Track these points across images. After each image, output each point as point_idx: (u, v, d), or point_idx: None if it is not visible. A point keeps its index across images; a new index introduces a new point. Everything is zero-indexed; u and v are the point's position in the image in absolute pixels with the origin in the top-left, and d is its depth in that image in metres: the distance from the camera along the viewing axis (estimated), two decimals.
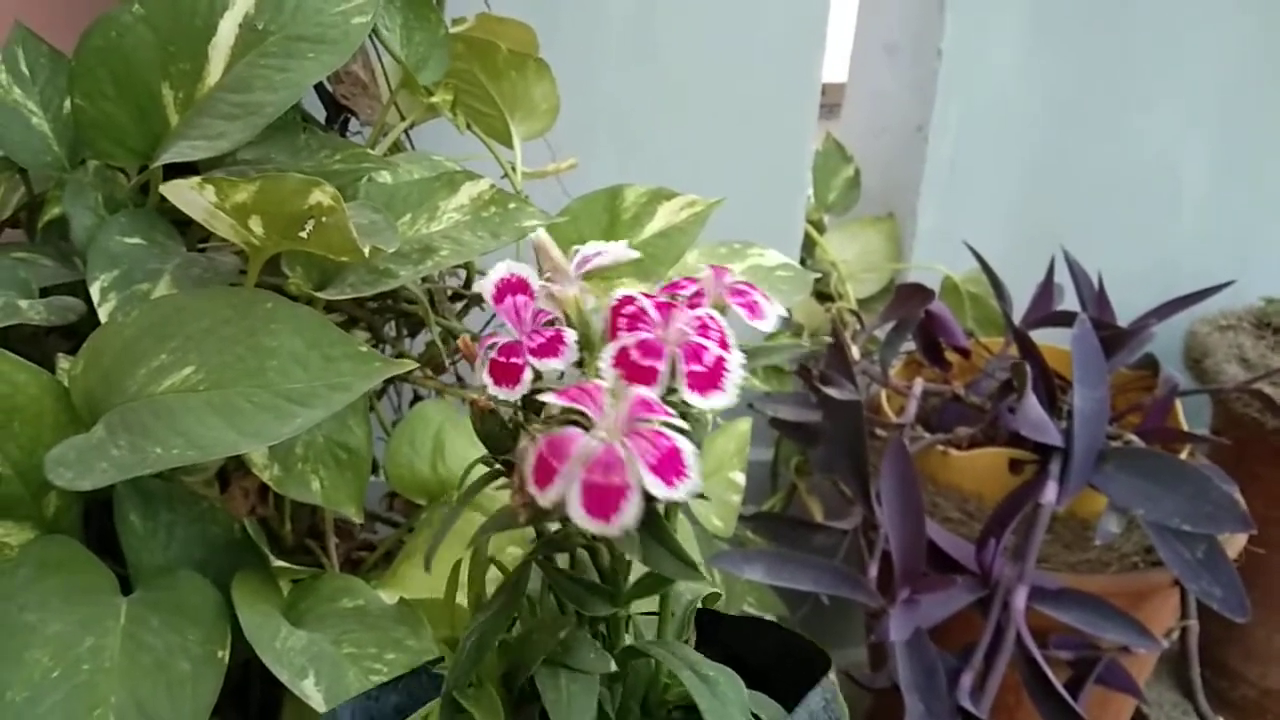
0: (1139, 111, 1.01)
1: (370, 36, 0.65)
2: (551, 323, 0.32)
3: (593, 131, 0.88)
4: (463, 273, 0.73)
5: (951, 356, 0.89)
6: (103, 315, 0.49)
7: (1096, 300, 0.88)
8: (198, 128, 0.52)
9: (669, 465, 0.27)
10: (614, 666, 0.34)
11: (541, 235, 0.34)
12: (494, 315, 0.74)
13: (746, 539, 0.85)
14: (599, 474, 0.27)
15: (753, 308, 0.32)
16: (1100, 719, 0.85)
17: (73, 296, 0.55)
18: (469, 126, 0.71)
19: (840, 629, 1.00)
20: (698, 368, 0.29)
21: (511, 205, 0.56)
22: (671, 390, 0.30)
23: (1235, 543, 0.77)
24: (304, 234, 0.45)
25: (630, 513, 0.27)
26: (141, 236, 0.53)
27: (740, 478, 0.76)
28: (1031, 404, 0.74)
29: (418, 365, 0.49)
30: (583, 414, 0.28)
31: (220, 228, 0.48)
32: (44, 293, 0.55)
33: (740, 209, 0.80)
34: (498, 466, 0.34)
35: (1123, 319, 0.89)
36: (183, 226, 0.56)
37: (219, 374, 0.43)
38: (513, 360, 0.31)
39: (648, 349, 0.29)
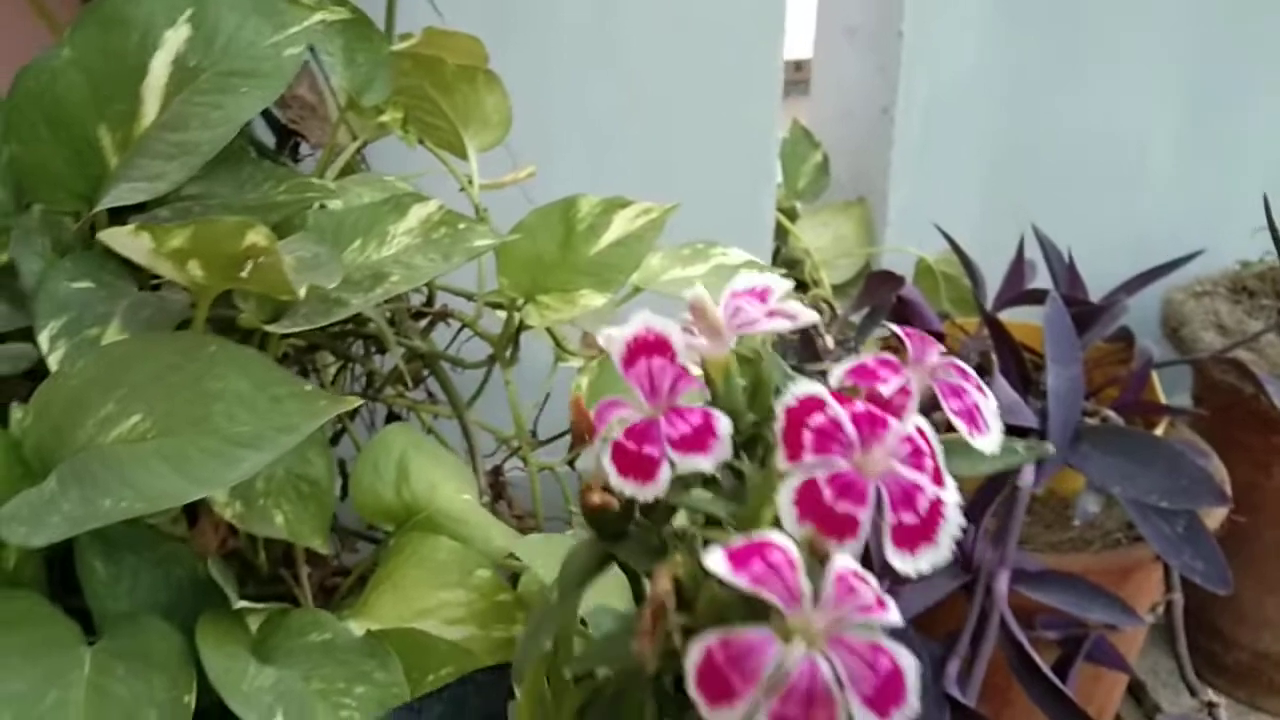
0: (1102, 83, 1.00)
1: (315, 57, 0.65)
2: (692, 396, 0.25)
3: (556, 136, 0.88)
4: (425, 289, 0.72)
5: None
6: (51, 364, 0.49)
7: (1068, 276, 0.88)
8: (137, 169, 0.51)
9: (888, 694, 0.20)
10: None
11: (700, 293, 0.27)
12: (460, 330, 0.74)
13: None
14: (797, 708, 0.20)
15: (972, 417, 0.23)
16: (1093, 694, 0.85)
17: (27, 343, 0.55)
18: (421, 142, 0.70)
19: None
20: (910, 518, 0.21)
21: (461, 225, 0.56)
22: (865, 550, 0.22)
23: (1215, 514, 0.77)
24: (244, 274, 0.45)
25: None
26: (90, 279, 0.53)
27: None
28: (1001, 388, 0.74)
29: (362, 401, 0.48)
30: (766, 608, 0.20)
31: (163, 270, 0.48)
32: None
33: (710, 202, 0.79)
34: (604, 551, 0.27)
35: (1098, 292, 0.89)
36: (133, 264, 0.56)
37: (166, 421, 0.43)
38: (646, 450, 0.23)
39: (846, 487, 0.21)
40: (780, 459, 0.22)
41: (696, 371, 0.26)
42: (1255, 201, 1.08)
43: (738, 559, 0.20)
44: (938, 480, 0.22)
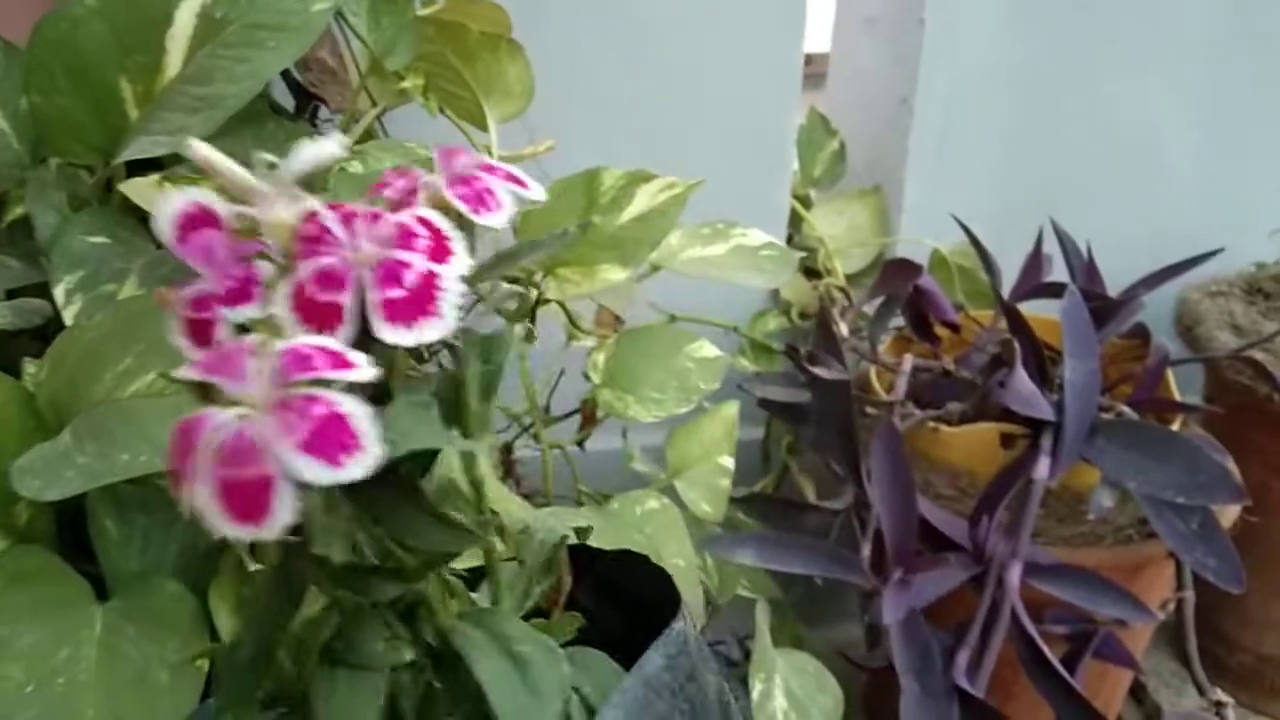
0: (1125, 78, 1.00)
1: (338, 21, 0.64)
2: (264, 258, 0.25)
3: (572, 112, 0.87)
4: None
5: (941, 331, 0.88)
6: (67, 318, 0.48)
7: (1086, 270, 0.87)
8: (158, 122, 0.50)
9: (327, 439, 0.21)
10: (408, 657, 0.28)
11: (197, 145, 0.26)
12: (476, 302, 0.73)
13: (739, 521, 0.84)
14: (230, 467, 0.21)
15: (481, 198, 0.25)
16: (1098, 692, 0.84)
17: (40, 298, 0.54)
18: (442, 110, 0.69)
19: (836, 606, 1.00)
20: (396, 293, 0.23)
21: None
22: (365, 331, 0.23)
23: (1229, 512, 0.77)
24: None
25: (284, 511, 0.21)
26: (106, 235, 0.52)
27: (729, 462, 0.75)
28: (1021, 379, 0.73)
29: (380, 370, 0.47)
30: (216, 390, 0.22)
31: None
32: (10, 295, 0.54)
33: (725, 186, 0.79)
34: None
35: (1113, 288, 0.88)
36: (149, 222, 0.55)
37: None
38: (204, 315, 0.24)
39: (328, 279, 0.23)
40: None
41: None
42: (1274, 201, 1.07)
43: (196, 364, 0.23)
44: (439, 257, 0.23)
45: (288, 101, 0.68)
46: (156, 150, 0.50)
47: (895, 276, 0.86)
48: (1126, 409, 0.78)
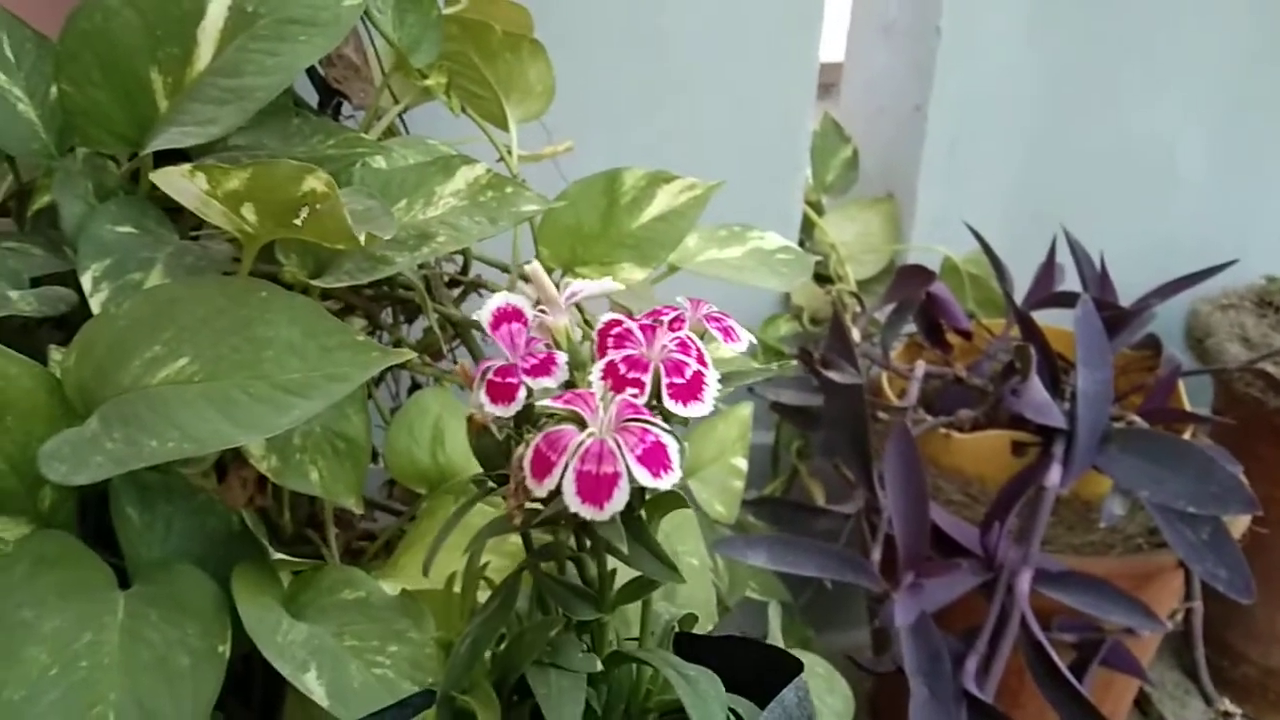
0: (1138, 89, 1.00)
1: (362, 19, 0.64)
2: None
3: (589, 114, 0.87)
4: (460, 258, 0.72)
5: (953, 338, 0.89)
6: (95, 306, 0.48)
7: (1098, 280, 0.88)
8: (188, 113, 0.51)
9: (655, 458, 0.30)
10: (600, 667, 0.35)
11: (535, 268, 0.36)
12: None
13: (749, 524, 0.84)
14: (591, 463, 0.30)
15: (728, 333, 0.36)
16: (1104, 700, 0.85)
17: (64, 287, 0.54)
18: (463, 109, 0.70)
19: (843, 611, 1.00)
20: (679, 380, 0.32)
21: (509, 190, 0.56)
22: (654, 401, 0.32)
23: (1238, 523, 0.77)
24: (298, 221, 0.44)
25: (619, 499, 0.30)
26: (133, 225, 0.52)
27: (742, 463, 0.75)
28: (1035, 386, 0.73)
29: (416, 355, 0.48)
30: (577, 416, 0.31)
31: (213, 215, 0.47)
32: (35, 283, 0.54)
33: (738, 191, 0.79)
34: (491, 483, 0.35)
35: (1124, 298, 0.88)
36: (175, 214, 0.55)
37: (214, 365, 0.43)
38: (508, 380, 0.33)
39: (633, 363, 0.33)
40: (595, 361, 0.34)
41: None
42: None
43: (559, 397, 0.31)
44: (702, 364, 0.33)
45: (311, 97, 0.68)
46: (186, 141, 0.50)
47: (908, 283, 0.87)
48: (1138, 419, 0.78)
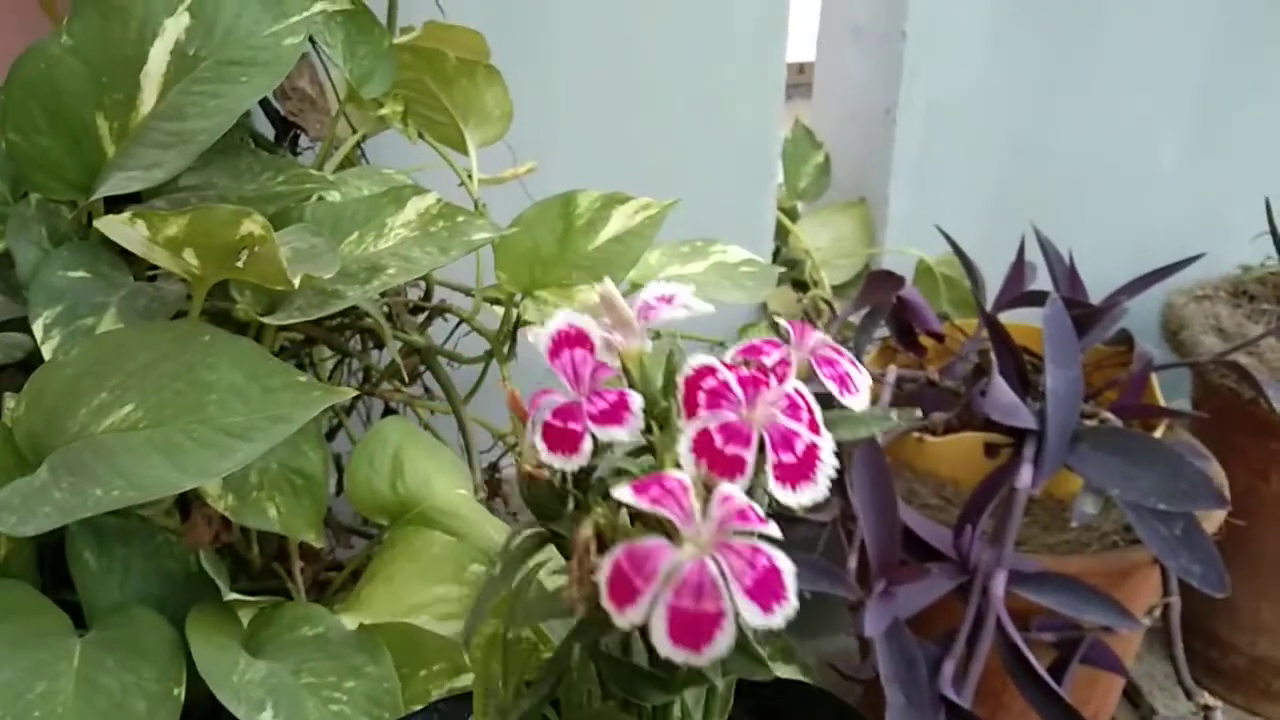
0: (1108, 88, 1.00)
1: (316, 49, 0.64)
2: (613, 381, 0.29)
3: (554, 132, 0.88)
4: (423, 284, 0.72)
5: (926, 341, 0.89)
6: (46, 353, 0.48)
7: (1068, 278, 0.88)
8: (134, 158, 0.51)
9: (767, 588, 0.24)
10: None
11: (608, 286, 0.30)
12: (458, 325, 0.74)
13: None
14: (689, 599, 0.24)
15: (844, 381, 0.28)
16: (1089, 697, 0.84)
17: (22, 332, 0.54)
18: (421, 136, 0.70)
19: (829, 617, 1.00)
20: (788, 457, 0.26)
21: (459, 219, 0.56)
22: (753, 481, 0.26)
23: (1215, 517, 0.77)
24: (239, 264, 0.45)
25: (722, 642, 0.24)
26: (86, 269, 0.53)
27: None
28: (1001, 389, 0.73)
29: (358, 393, 0.48)
30: (664, 519, 0.24)
31: (159, 259, 0.48)
32: None
33: (711, 200, 0.79)
34: (541, 532, 0.30)
35: (1099, 295, 0.88)
36: (129, 255, 0.56)
37: (159, 411, 0.43)
38: (570, 426, 0.27)
39: (733, 434, 0.25)
40: (681, 418, 0.27)
41: (616, 364, 0.30)
42: (1257, 206, 1.07)
43: (640, 488, 0.24)
44: (814, 430, 0.26)
45: (268, 130, 0.69)
46: (132, 186, 0.51)
47: (879, 287, 0.87)
48: (1111, 416, 0.78)
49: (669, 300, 0.30)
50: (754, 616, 0.24)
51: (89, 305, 0.51)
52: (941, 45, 0.96)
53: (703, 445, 0.25)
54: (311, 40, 0.60)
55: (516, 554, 0.30)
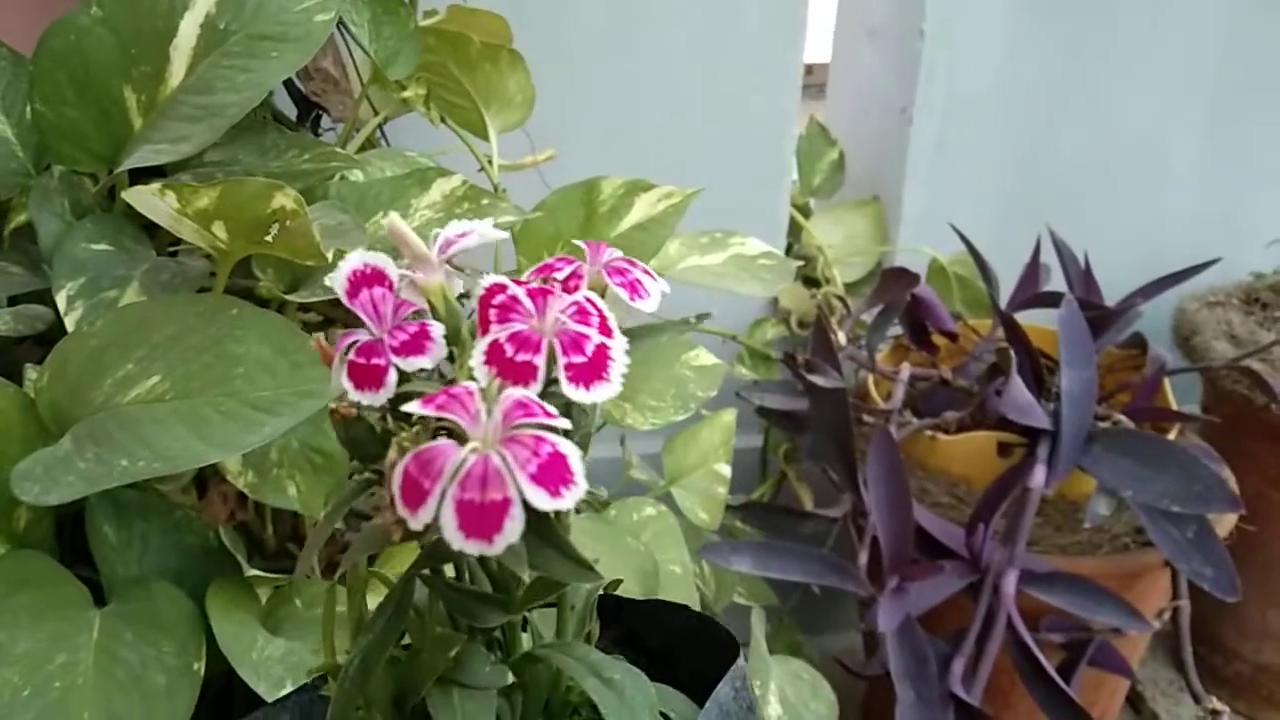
0: (1124, 89, 1.00)
1: (340, 31, 0.64)
2: (417, 315, 0.29)
3: (572, 121, 0.88)
4: None
5: (939, 340, 0.89)
6: (69, 324, 0.48)
7: (1083, 280, 0.88)
8: (161, 130, 0.51)
9: (552, 473, 0.25)
10: (511, 678, 0.31)
11: (394, 220, 0.30)
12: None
13: (735, 529, 0.84)
14: (474, 491, 0.25)
15: (634, 287, 0.30)
16: (1095, 700, 0.85)
17: (43, 305, 0.54)
18: (443, 120, 0.70)
19: (835, 613, 1.00)
20: (579, 359, 0.27)
21: (484, 201, 0.56)
22: (551, 383, 0.27)
23: (1226, 521, 0.77)
24: (269, 238, 0.45)
25: (513, 529, 0.25)
26: (109, 242, 0.52)
27: (726, 470, 0.75)
28: (1017, 388, 0.73)
29: None
30: (454, 423, 0.25)
31: (185, 233, 0.48)
32: (13, 301, 0.54)
33: (724, 195, 0.79)
34: (368, 476, 0.31)
35: (1112, 298, 0.88)
36: (152, 230, 0.55)
37: (185, 383, 0.43)
38: (374, 361, 0.28)
39: (522, 342, 0.27)
40: (476, 336, 0.28)
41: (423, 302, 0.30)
42: (1271, 211, 1.07)
43: (427, 400, 0.25)
44: (606, 333, 0.28)
45: (290, 110, 0.68)
46: (159, 158, 0.50)
47: (893, 285, 0.87)
48: (1124, 418, 0.78)
49: (465, 235, 0.31)
50: (542, 500, 0.24)
51: (112, 278, 0.51)
52: (959, 45, 0.96)
53: (494, 355, 0.27)
54: (339, 21, 0.59)
55: (345, 498, 0.31)
